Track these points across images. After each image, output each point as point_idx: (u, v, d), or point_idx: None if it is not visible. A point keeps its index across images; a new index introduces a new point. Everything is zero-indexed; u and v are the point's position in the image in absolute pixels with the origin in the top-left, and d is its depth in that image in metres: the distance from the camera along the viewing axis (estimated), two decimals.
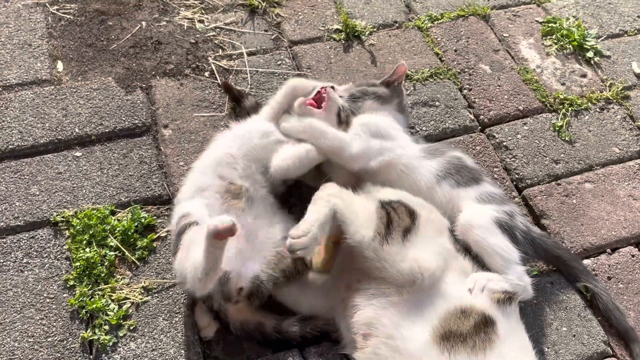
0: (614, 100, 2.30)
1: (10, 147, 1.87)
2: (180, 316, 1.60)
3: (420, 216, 1.54)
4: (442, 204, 1.65)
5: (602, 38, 2.54)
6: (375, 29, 2.42)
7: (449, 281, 1.47)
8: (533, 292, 1.60)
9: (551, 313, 1.70)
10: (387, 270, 1.44)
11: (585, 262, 1.83)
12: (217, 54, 2.23)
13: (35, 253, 1.67)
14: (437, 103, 2.18)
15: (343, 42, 2.36)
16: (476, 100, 2.23)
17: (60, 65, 2.12)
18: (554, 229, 1.89)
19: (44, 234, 1.71)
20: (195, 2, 2.42)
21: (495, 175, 2.01)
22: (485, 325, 1.39)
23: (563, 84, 2.33)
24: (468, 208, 1.62)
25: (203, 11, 2.39)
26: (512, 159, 2.07)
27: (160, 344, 1.55)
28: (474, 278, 1.49)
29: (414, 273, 1.42)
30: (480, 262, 1.57)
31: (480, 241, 1.56)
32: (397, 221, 1.49)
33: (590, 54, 2.44)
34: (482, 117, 2.18)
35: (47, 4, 2.30)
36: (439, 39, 2.42)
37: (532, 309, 1.70)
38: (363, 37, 2.38)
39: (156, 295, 1.64)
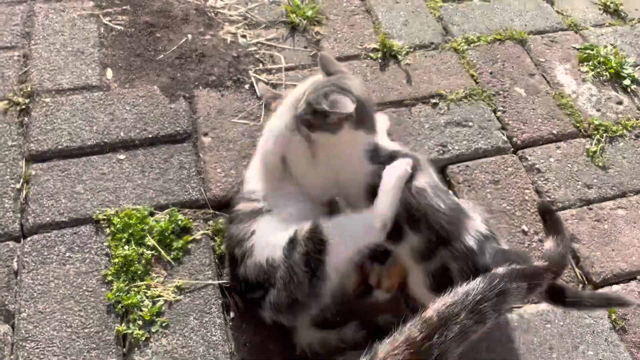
0: None
1: (59, 147, 1.98)
2: (210, 316, 1.65)
3: None
4: None
5: None
6: (411, 50, 2.48)
7: None
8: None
9: (578, 336, 1.70)
10: None
11: (615, 287, 1.82)
12: (258, 68, 2.32)
13: (77, 248, 1.75)
14: (470, 123, 2.21)
15: (380, 60, 2.42)
16: (510, 122, 2.25)
17: (109, 73, 2.24)
18: (584, 252, 1.89)
19: (86, 230, 1.80)
20: (239, 17, 2.52)
21: (526, 197, 2.02)
22: None
23: (598, 110, 2.34)
24: None
25: (246, 27, 2.49)
26: (544, 182, 2.07)
27: (190, 341, 1.60)
28: None
29: None
30: None
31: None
32: None
33: (627, 82, 2.45)
34: (515, 139, 2.20)
35: (100, 15, 2.43)
36: (474, 61, 2.46)
37: (558, 331, 1.70)
38: (399, 56, 2.43)
39: (188, 295, 1.70)
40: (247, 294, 1.59)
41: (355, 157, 1.57)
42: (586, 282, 1.85)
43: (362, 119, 1.55)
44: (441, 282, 1.40)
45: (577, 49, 2.58)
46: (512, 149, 2.18)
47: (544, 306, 1.75)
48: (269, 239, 1.53)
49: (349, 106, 1.47)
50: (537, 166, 2.12)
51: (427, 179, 1.54)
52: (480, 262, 1.45)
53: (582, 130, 2.26)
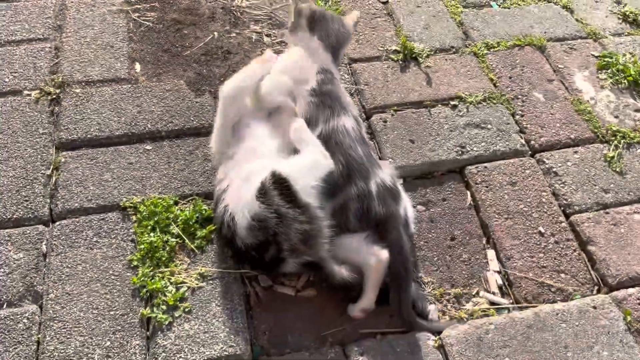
0: None
1: (88, 136, 2.04)
2: (231, 303, 1.69)
3: None
4: None
5: None
6: (432, 52, 2.52)
7: None
8: None
9: (593, 337, 1.72)
10: None
11: (631, 290, 1.84)
12: None
13: (104, 233, 1.81)
14: (489, 126, 2.25)
15: (400, 62, 2.46)
16: (528, 126, 2.28)
17: (137, 67, 2.30)
18: (600, 255, 1.91)
19: (113, 217, 1.85)
20: (264, 17, 2.58)
21: (543, 199, 2.05)
22: None
23: (616, 117, 2.36)
24: None
25: (271, 26, 2.54)
26: (561, 185, 2.10)
27: (211, 327, 1.64)
28: None
29: None
30: None
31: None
32: None
33: None
34: (532, 142, 2.23)
35: (129, 11, 2.50)
36: (494, 66, 2.50)
37: (573, 331, 1.72)
38: (420, 59, 2.48)
39: (211, 282, 1.74)
40: (263, 259, 1.62)
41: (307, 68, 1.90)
42: (602, 285, 1.87)
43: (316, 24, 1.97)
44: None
45: (596, 57, 2.60)
46: (530, 152, 2.21)
47: (559, 306, 1.77)
48: (241, 201, 1.62)
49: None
50: (554, 169, 2.14)
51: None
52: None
53: (600, 136, 2.28)
